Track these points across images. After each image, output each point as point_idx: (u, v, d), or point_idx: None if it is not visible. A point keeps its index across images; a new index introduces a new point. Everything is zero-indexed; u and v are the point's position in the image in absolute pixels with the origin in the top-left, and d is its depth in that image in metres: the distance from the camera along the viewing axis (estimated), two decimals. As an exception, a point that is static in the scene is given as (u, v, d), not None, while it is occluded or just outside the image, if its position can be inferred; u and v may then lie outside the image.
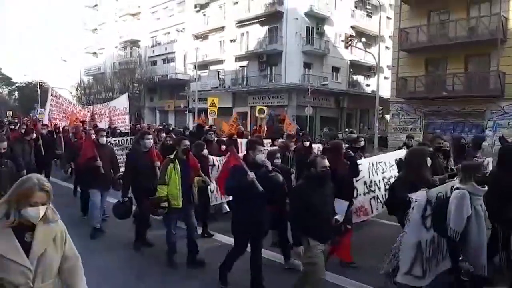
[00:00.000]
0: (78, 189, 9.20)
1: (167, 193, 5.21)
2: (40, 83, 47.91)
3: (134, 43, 46.59)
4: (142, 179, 5.93)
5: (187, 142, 5.56)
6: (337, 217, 4.39)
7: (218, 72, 37.15)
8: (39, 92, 46.58)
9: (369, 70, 36.24)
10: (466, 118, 22.34)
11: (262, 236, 4.77)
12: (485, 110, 21.41)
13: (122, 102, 16.26)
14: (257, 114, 27.69)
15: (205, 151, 6.95)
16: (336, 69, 34.40)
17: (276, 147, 7.75)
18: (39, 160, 9.35)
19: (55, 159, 12.15)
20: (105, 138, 7.16)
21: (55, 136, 11.57)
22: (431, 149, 6.03)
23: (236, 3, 34.30)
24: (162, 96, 44.19)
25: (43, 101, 54.96)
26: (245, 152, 5.11)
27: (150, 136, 6.35)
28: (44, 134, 10.78)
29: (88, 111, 16.54)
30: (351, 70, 35.82)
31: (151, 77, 41.98)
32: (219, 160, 7.47)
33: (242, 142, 9.49)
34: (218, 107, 26.16)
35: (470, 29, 21.19)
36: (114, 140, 10.52)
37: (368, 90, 36.09)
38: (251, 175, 4.37)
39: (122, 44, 47.94)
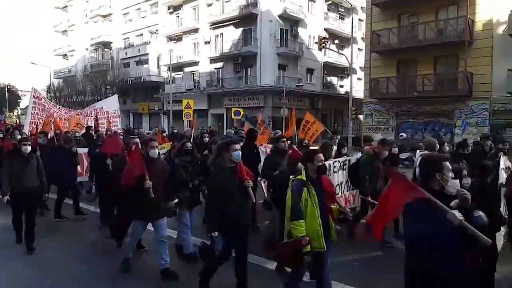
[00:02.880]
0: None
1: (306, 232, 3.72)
2: (8, 86, 46.33)
3: (106, 45, 45.67)
4: (232, 208, 4.32)
5: (321, 156, 4.03)
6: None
7: (193, 74, 36.88)
8: (7, 95, 45.03)
9: (342, 72, 36.85)
10: (436, 117, 23.01)
11: None
12: (454, 110, 22.11)
13: (111, 103, 14.58)
14: (233, 116, 27.78)
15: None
16: (310, 71, 34.78)
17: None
18: None
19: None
20: (157, 151, 5.19)
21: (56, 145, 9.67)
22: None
23: (210, 4, 34.15)
24: (136, 99, 43.48)
25: (12, 104, 53.44)
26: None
27: (238, 146, 4.54)
28: (43, 145, 9.17)
29: (77, 114, 14.33)
30: (325, 71, 36.28)
31: (124, 80, 41.21)
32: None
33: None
34: (194, 109, 26.01)
35: (438, 32, 21.86)
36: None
37: (342, 91, 36.66)
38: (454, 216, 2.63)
39: (94, 46, 46.90)
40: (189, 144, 5.97)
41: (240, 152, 4.48)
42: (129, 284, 5.00)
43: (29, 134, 10.96)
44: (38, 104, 12.30)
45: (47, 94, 46.69)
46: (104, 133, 11.24)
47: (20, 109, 58.82)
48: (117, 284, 4.99)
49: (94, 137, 11.18)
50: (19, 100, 61.38)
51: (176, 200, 5.25)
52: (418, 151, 7.71)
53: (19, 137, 9.49)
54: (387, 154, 6.67)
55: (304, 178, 3.87)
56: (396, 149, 7.63)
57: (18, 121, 25.55)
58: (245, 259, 4.56)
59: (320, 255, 3.77)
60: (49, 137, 10.24)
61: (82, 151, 9.39)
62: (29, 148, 6.13)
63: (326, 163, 5.81)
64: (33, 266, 5.50)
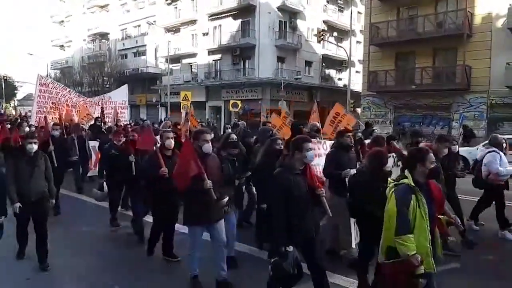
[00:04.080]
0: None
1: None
2: (5, 77, 46.09)
3: (103, 36, 45.35)
4: (304, 220, 3.69)
5: (433, 157, 3.42)
6: None
7: (191, 65, 36.71)
8: (3, 86, 44.82)
9: (341, 64, 36.75)
10: (434, 111, 23.01)
11: None
12: (452, 103, 22.12)
13: (120, 94, 14.11)
14: (231, 108, 27.73)
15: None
16: (308, 63, 34.67)
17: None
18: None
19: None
20: (210, 145, 4.53)
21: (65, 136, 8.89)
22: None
23: (208, -4, 33.92)
24: (133, 91, 43.20)
25: (8, 95, 53.18)
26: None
27: (312, 145, 3.89)
28: (57, 136, 8.14)
29: (85, 103, 13.60)
30: (324, 64, 36.18)
31: (121, 71, 41.01)
32: None
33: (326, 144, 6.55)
34: (191, 101, 25.93)
35: (437, 24, 21.79)
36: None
37: (340, 84, 36.58)
38: None
39: (91, 37, 46.60)
40: (234, 136, 5.47)
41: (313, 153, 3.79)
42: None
43: (37, 125, 10.58)
44: (44, 92, 11.64)
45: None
46: (114, 125, 10.92)
47: (17, 100, 58.59)
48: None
49: (103, 129, 10.86)
50: (15, 91, 61.09)
51: (228, 198, 4.61)
52: (482, 147, 7.05)
53: (27, 128, 9.11)
54: (446, 152, 5.80)
55: (412, 183, 3.21)
56: (456, 146, 6.73)
57: (20, 112, 24.84)
58: (325, 275, 3.88)
59: (429, 278, 3.14)
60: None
61: (92, 144, 9.15)
62: (35, 147, 5.12)
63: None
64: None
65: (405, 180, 3.24)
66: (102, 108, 12.98)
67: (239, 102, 27.49)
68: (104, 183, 6.85)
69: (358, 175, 4.44)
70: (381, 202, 3.40)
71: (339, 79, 37.56)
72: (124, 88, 14.49)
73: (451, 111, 22.21)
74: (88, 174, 9.52)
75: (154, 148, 5.48)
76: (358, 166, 5.17)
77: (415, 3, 23.11)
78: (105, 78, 41.68)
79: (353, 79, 29.02)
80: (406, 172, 3.30)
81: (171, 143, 5.27)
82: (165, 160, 5.13)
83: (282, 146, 5.39)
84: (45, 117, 9.99)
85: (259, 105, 31.01)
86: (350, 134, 5.72)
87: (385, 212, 3.29)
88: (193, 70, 36.58)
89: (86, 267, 5.23)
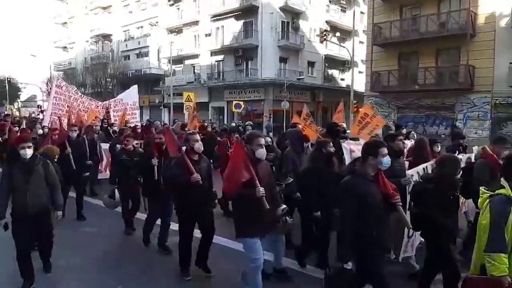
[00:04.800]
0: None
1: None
2: (8, 79, 46.27)
3: (106, 37, 45.46)
4: (379, 232, 3.32)
5: None
6: None
7: (194, 66, 36.75)
8: (7, 87, 45.00)
9: (343, 65, 36.69)
10: (437, 111, 22.93)
11: None
12: (456, 103, 22.03)
13: (131, 95, 13.85)
14: (233, 109, 27.75)
15: None
16: (311, 64, 34.64)
17: None
18: (69, 178, 6.86)
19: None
20: (265, 151, 4.13)
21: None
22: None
23: (211, -4, 33.96)
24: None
25: (12, 96, 53.31)
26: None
27: (387, 150, 3.48)
28: (73, 138, 7.68)
29: (97, 106, 13.34)
30: (326, 64, 36.13)
31: (124, 72, 41.10)
32: None
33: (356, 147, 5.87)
34: (194, 102, 25.96)
35: (440, 24, 21.70)
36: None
37: (343, 84, 36.51)
38: None
39: (94, 38, 46.70)
40: (268, 139, 5.26)
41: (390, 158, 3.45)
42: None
43: (50, 126, 10.17)
44: (60, 94, 11.36)
45: (46, 86, 46.72)
46: (123, 126, 10.66)
47: (20, 101, 58.76)
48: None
49: (111, 131, 10.60)
50: (19, 93, 61.24)
51: (284, 207, 4.21)
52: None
53: (40, 131, 8.79)
54: (506, 154, 5.22)
55: (510, 194, 2.86)
56: None
57: (30, 113, 24.49)
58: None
59: None
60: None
61: (103, 146, 8.94)
62: (29, 152, 4.42)
63: (421, 166, 5.00)
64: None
65: (501, 191, 2.87)
66: (107, 109, 12.80)
67: (242, 102, 27.52)
68: (116, 190, 6.49)
69: (426, 182, 3.93)
70: (450, 211, 3.30)
71: (342, 79, 37.50)
72: (134, 89, 14.18)
73: (454, 111, 22.12)
74: (98, 177, 9.27)
75: (180, 152, 4.88)
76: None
77: (418, 3, 23.03)
78: (108, 80, 41.80)
79: (356, 79, 28.98)
80: (503, 181, 2.94)
81: (200, 146, 4.79)
82: (193, 165, 4.67)
83: (333, 149, 5.05)
84: (59, 119, 9.66)
85: (262, 106, 31.01)
86: (401, 137, 5.31)
87: (478, 227, 2.97)
88: (195, 71, 36.61)
89: (89, 268, 5.23)
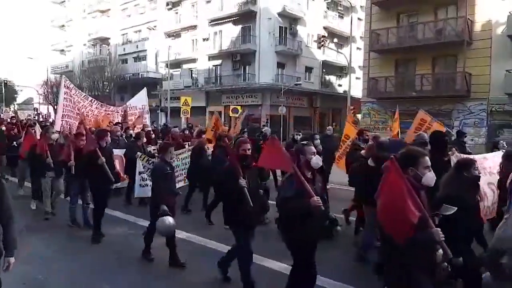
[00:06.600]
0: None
1: None
2: (5, 81, 46.12)
3: (104, 40, 45.45)
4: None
5: None
6: None
7: (191, 70, 36.79)
8: (3, 90, 44.84)
9: (341, 71, 36.84)
10: (434, 117, 22.92)
11: None
12: (452, 110, 22.11)
13: (140, 98, 13.60)
14: (231, 114, 27.73)
15: None
16: (309, 69, 34.75)
17: None
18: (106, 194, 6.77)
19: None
20: (434, 176, 3.19)
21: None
22: None
23: (209, 1, 34.05)
24: (133, 95, 43.07)
25: (8, 99, 53.19)
26: None
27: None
28: (104, 145, 6.82)
29: (111, 110, 12.90)
30: (324, 70, 36.27)
31: (121, 76, 41.06)
32: None
33: None
34: (191, 106, 25.94)
35: (437, 31, 21.83)
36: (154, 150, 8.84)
37: (340, 90, 36.64)
38: None
39: (91, 42, 46.68)
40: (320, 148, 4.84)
41: None
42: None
43: (61, 130, 9.67)
44: (68, 95, 10.47)
45: (43, 89, 46.61)
46: (141, 130, 10.28)
47: (17, 104, 58.54)
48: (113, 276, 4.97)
49: (124, 136, 10.19)
50: (15, 95, 61.08)
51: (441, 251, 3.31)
52: None
53: (55, 135, 8.24)
54: None
55: None
56: None
57: (40, 114, 23.94)
58: None
59: None
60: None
61: (119, 152, 8.62)
62: None
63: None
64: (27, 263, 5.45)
65: None
66: (125, 113, 12.41)
67: (239, 107, 27.51)
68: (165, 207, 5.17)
69: None
70: None
71: (339, 85, 37.64)
72: (143, 93, 13.82)
73: (451, 118, 22.19)
74: (118, 185, 8.79)
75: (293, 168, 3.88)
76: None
77: (415, 11, 23.19)
78: (105, 83, 41.72)
79: (353, 85, 29.09)
80: None
81: (318, 161, 3.95)
82: (244, 172, 4.35)
83: (478, 172, 4.14)
84: (83, 123, 8.87)
85: (259, 111, 31.03)
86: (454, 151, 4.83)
87: None
88: (193, 75, 36.65)
89: (83, 272, 5.20)
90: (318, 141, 8.55)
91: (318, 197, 3.60)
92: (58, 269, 5.22)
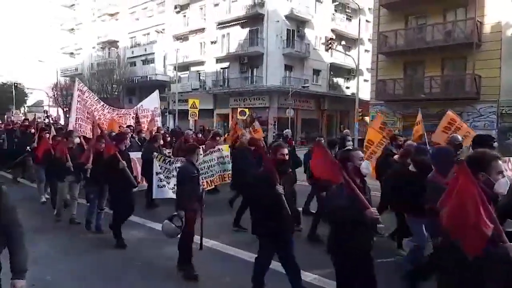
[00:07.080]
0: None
1: None
2: (15, 84, 46.65)
3: (113, 43, 45.86)
4: None
5: None
6: None
7: (199, 73, 36.95)
8: (14, 93, 45.36)
9: (349, 73, 36.76)
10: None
11: None
12: (462, 113, 21.86)
13: (153, 101, 13.27)
14: (238, 116, 27.75)
15: None
16: (316, 72, 34.71)
17: None
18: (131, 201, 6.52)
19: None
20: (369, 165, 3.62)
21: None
22: None
23: (217, 4, 34.21)
24: (142, 98, 43.23)
25: (18, 101, 53.74)
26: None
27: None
28: (122, 149, 6.71)
29: (123, 113, 12.74)
30: (332, 72, 36.20)
31: (130, 78, 41.40)
32: None
33: None
34: (199, 109, 26.03)
35: (446, 33, 21.68)
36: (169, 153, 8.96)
37: (348, 92, 36.55)
38: None
39: (100, 45, 47.13)
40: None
41: None
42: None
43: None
44: (81, 98, 10.33)
45: (53, 91, 47.10)
46: (156, 132, 10.14)
47: (27, 106, 59.17)
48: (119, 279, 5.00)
49: (137, 139, 10.14)
50: (25, 98, 61.70)
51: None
52: None
53: (77, 139, 8.10)
54: None
55: None
56: None
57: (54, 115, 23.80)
58: None
59: None
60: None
61: (135, 156, 8.49)
62: None
63: None
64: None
65: None
66: (137, 115, 12.26)
67: (246, 110, 27.55)
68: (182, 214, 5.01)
69: None
70: None
71: (347, 87, 37.55)
72: (155, 95, 13.54)
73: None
74: (137, 189, 8.35)
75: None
76: None
77: (424, 12, 23.06)
78: (114, 86, 42.06)
79: (361, 88, 29.02)
80: None
81: (369, 166, 3.84)
82: (280, 177, 4.18)
83: None
84: (100, 126, 8.33)
85: (267, 113, 31.07)
86: None
87: None
88: (201, 78, 36.80)
89: (90, 272, 5.23)
90: (350, 142, 7.96)
91: (374, 208, 3.36)
92: (64, 270, 5.26)
